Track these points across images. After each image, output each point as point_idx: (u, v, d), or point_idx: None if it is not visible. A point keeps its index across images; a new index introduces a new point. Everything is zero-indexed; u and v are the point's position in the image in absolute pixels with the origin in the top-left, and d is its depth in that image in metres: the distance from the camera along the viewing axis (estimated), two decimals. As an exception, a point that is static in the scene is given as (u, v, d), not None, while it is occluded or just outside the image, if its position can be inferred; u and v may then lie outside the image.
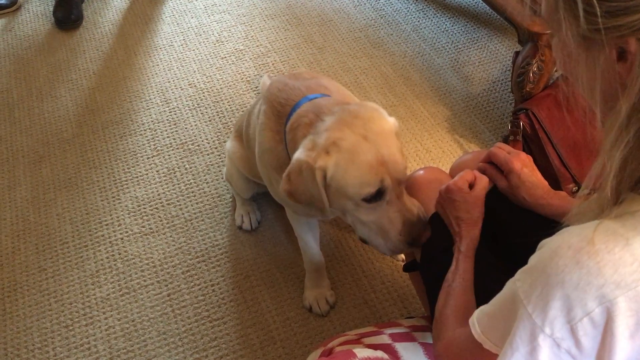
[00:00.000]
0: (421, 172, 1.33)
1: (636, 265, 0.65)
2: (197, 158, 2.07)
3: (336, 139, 1.14)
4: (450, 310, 1.00)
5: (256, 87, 2.31)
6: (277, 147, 1.34)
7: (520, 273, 0.75)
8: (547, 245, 0.72)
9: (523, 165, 1.16)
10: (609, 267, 0.65)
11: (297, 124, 1.25)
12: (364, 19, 2.61)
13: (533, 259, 0.73)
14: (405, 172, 1.18)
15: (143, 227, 1.87)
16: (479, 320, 0.82)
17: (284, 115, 1.32)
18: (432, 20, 2.59)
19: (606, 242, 0.66)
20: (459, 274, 1.05)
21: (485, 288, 0.84)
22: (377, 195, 1.15)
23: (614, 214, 0.68)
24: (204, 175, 2.01)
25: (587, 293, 0.65)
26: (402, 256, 1.73)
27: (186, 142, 2.12)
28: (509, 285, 0.77)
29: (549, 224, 0.78)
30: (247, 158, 1.69)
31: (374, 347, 1.16)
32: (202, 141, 2.12)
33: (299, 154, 1.17)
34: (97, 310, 1.68)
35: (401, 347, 1.18)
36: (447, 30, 2.53)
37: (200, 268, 1.76)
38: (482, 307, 0.83)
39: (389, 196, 1.16)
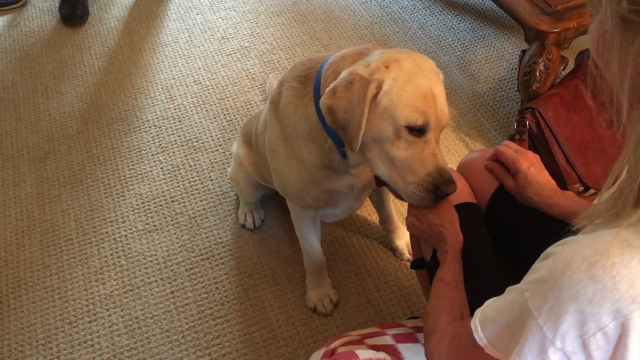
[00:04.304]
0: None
1: None
2: (202, 155, 2.06)
3: (397, 58, 1.09)
4: (444, 305, 1.00)
5: (261, 85, 2.30)
6: (307, 108, 1.23)
7: (529, 283, 0.72)
8: (558, 256, 0.69)
9: (530, 164, 1.14)
10: (625, 282, 0.63)
11: (338, 60, 1.17)
12: (370, 16, 2.60)
13: (542, 270, 0.70)
14: (448, 119, 1.13)
15: (147, 224, 1.87)
16: (482, 325, 0.79)
17: (311, 78, 1.23)
18: (438, 17, 2.57)
19: (622, 255, 0.64)
20: (450, 273, 1.05)
21: (491, 288, 0.83)
22: (420, 130, 1.08)
23: (631, 220, 0.66)
24: (209, 173, 2.01)
25: (602, 308, 0.64)
26: (408, 255, 1.73)
27: (191, 139, 2.12)
28: (516, 294, 0.74)
29: (556, 225, 0.77)
30: (256, 162, 1.66)
31: (377, 348, 1.16)
32: (207, 138, 2.12)
33: (352, 68, 1.10)
34: (101, 307, 1.68)
35: (404, 348, 1.18)
36: (453, 28, 2.52)
37: (203, 266, 1.76)
38: (483, 311, 0.81)
39: (429, 136, 1.09)
